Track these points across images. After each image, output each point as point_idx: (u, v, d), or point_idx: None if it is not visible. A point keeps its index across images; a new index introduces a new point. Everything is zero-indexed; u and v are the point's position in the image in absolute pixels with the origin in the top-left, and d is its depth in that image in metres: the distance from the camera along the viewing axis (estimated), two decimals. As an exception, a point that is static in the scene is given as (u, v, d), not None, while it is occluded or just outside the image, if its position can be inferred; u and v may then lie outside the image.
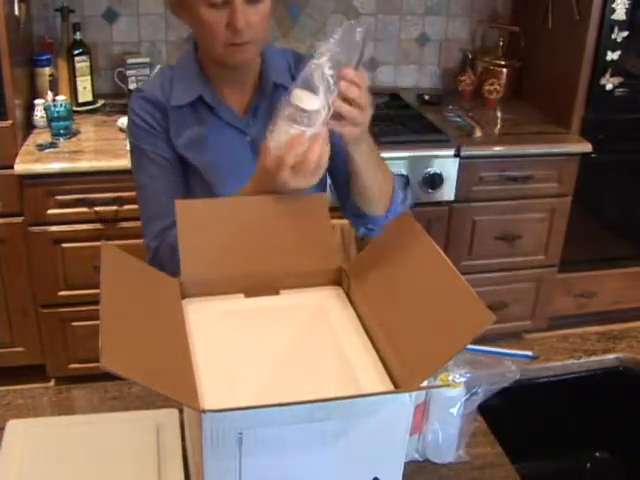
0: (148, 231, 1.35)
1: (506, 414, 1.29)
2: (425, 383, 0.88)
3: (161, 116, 1.34)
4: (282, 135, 1.05)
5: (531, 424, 1.41)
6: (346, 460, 0.89)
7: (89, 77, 2.59)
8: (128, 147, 1.42)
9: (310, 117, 1.03)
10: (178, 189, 1.35)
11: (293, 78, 1.34)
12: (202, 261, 1.05)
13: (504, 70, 2.95)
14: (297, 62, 1.39)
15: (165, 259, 1.30)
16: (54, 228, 2.29)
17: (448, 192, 2.54)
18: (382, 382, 0.91)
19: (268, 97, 1.35)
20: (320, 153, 1.04)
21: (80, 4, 2.63)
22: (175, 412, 1.15)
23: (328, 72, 1.03)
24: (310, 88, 1.02)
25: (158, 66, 2.67)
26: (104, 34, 2.71)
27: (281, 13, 2.83)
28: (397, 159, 2.44)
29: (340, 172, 1.32)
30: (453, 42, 3.06)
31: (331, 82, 1.03)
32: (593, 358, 1.45)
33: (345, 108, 1.06)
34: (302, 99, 1.02)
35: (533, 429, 1.42)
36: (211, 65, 1.34)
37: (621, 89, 2.65)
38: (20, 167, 2.19)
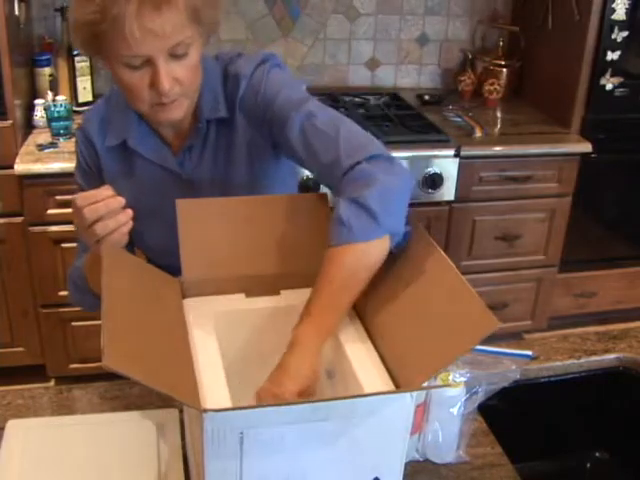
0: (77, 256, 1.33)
1: (506, 414, 1.29)
2: (425, 383, 0.88)
3: (94, 156, 1.27)
4: None
5: (531, 424, 1.41)
6: (346, 460, 0.89)
7: (89, 77, 2.58)
8: None
9: None
10: None
11: (227, 99, 1.22)
12: (202, 261, 1.05)
13: (504, 70, 2.95)
14: (222, 81, 1.23)
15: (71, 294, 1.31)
16: (54, 228, 2.28)
17: (448, 192, 2.54)
18: (382, 382, 0.91)
19: (201, 137, 1.24)
20: None
21: (80, 4, 2.63)
22: (175, 412, 1.15)
23: None
24: None
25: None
26: (104, 34, 2.71)
27: (281, 13, 2.83)
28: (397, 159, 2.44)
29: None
30: (453, 42, 3.06)
31: None
32: (593, 358, 1.45)
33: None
34: None
35: (533, 429, 1.42)
36: None
37: (621, 89, 2.65)
38: (20, 167, 2.19)
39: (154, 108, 1.12)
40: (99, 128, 1.26)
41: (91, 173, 1.29)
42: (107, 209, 1.00)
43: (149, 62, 1.06)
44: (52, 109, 2.33)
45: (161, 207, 1.17)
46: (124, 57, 1.05)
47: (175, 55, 1.07)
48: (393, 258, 1.02)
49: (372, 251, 1.02)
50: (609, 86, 2.64)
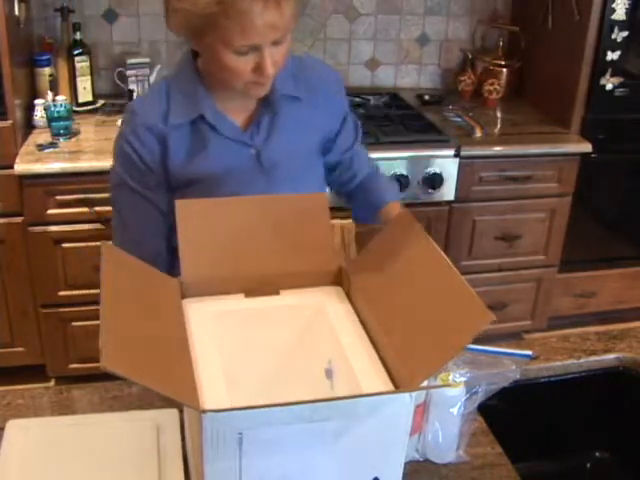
0: None
1: (506, 414, 1.29)
2: (425, 383, 0.88)
3: (157, 144, 1.27)
4: None
5: (531, 424, 1.41)
6: (346, 460, 0.89)
7: (89, 77, 2.58)
8: (111, 165, 1.34)
9: None
10: (156, 229, 1.32)
11: (296, 79, 1.34)
12: (202, 261, 1.05)
13: (504, 70, 2.95)
14: (300, 67, 1.35)
15: None
16: (54, 228, 2.28)
17: (448, 192, 2.54)
18: (382, 382, 0.91)
19: (271, 110, 1.32)
20: None
21: (80, 4, 2.63)
22: (175, 412, 1.15)
23: None
24: None
25: (158, 66, 2.67)
26: (104, 34, 2.71)
27: (281, 13, 2.83)
28: (397, 159, 2.44)
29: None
30: (453, 42, 3.06)
31: None
32: (593, 358, 1.45)
33: None
34: None
35: (533, 429, 1.42)
36: (214, 80, 1.27)
37: (621, 89, 2.65)
38: (20, 167, 2.19)
39: (249, 85, 1.21)
40: (159, 114, 1.27)
41: (144, 168, 1.29)
42: None
43: (255, 48, 1.15)
44: (52, 109, 2.33)
45: (226, 180, 1.27)
46: (236, 45, 1.13)
47: (277, 42, 1.16)
48: (390, 257, 1.02)
49: None
50: (609, 86, 2.64)
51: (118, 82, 2.65)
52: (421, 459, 1.16)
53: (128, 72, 2.61)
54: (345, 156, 1.48)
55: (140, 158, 1.28)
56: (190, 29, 1.16)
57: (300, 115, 1.35)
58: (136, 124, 1.27)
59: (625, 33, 2.56)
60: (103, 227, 2.29)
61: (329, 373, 1.02)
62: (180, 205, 1.06)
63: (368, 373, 0.93)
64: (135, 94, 2.59)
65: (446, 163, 2.49)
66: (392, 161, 2.43)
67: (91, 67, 2.59)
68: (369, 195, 1.50)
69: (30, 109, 2.44)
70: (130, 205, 1.33)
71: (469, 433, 1.18)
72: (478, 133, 2.60)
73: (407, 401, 0.88)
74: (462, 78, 2.96)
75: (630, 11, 2.52)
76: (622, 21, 2.53)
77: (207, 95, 1.28)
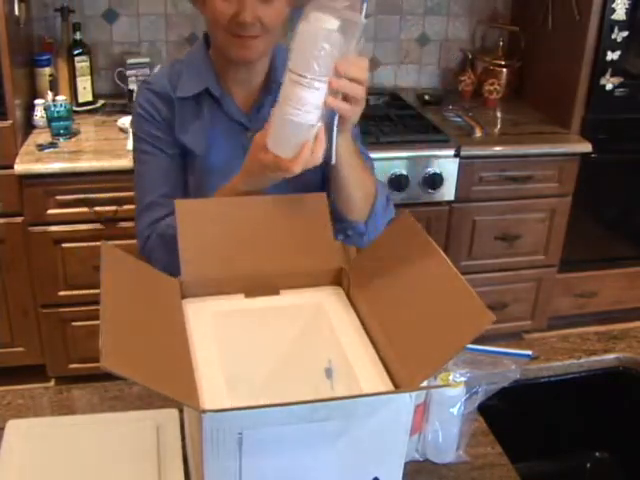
0: (141, 221, 1.37)
1: (506, 414, 1.29)
2: (425, 383, 0.88)
3: (166, 108, 1.35)
4: (283, 133, 1.05)
5: (531, 424, 1.41)
6: (346, 460, 0.89)
7: (89, 77, 2.59)
8: (131, 142, 1.44)
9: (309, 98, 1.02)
10: (175, 182, 1.36)
11: None
12: (202, 261, 1.05)
13: (504, 70, 2.95)
14: None
15: (154, 249, 1.32)
16: (54, 228, 2.29)
17: (448, 192, 2.54)
18: (382, 382, 0.91)
19: (273, 96, 1.35)
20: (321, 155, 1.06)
21: (80, 4, 2.63)
22: (175, 412, 1.15)
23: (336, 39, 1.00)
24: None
25: (158, 66, 2.67)
26: (104, 34, 2.71)
27: (281, 13, 2.83)
28: (397, 159, 2.44)
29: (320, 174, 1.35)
30: (453, 42, 3.06)
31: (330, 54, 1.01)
32: (593, 358, 1.45)
33: (346, 84, 1.03)
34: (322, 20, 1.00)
35: (533, 429, 1.42)
36: (220, 60, 1.35)
37: (621, 89, 2.65)
38: (20, 167, 2.19)
39: (231, 40, 1.24)
40: (169, 88, 1.35)
41: (156, 124, 1.35)
42: None
43: None
44: (52, 109, 2.33)
45: (227, 160, 1.30)
46: None
47: None
48: (391, 257, 1.02)
49: None
50: (609, 86, 2.64)
51: (118, 82, 2.65)
52: (421, 459, 1.16)
53: (128, 72, 2.61)
54: None
55: (151, 116, 1.35)
56: None
57: None
58: (148, 90, 1.37)
59: (625, 33, 2.56)
60: (103, 227, 2.30)
61: (329, 373, 1.03)
62: (180, 205, 1.06)
63: (368, 373, 0.93)
64: (135, 94, 2.59)
65: (446, 163, 2.49)
66: (392, 161, 2.43)
67: (91, 67, 2.59)
68: None
69: (30, 109, 2.44)
70: (145, 162, 1.37)
71: (469, 433, 1.18)
72: (478, 133, 2.60)
73: (407, 401, 0.88)
74: (462, 78, 2.96)
75: (630, 11, 2.52)
76: (622, 21, 2.54)
77: (214, 74, 1.34)
